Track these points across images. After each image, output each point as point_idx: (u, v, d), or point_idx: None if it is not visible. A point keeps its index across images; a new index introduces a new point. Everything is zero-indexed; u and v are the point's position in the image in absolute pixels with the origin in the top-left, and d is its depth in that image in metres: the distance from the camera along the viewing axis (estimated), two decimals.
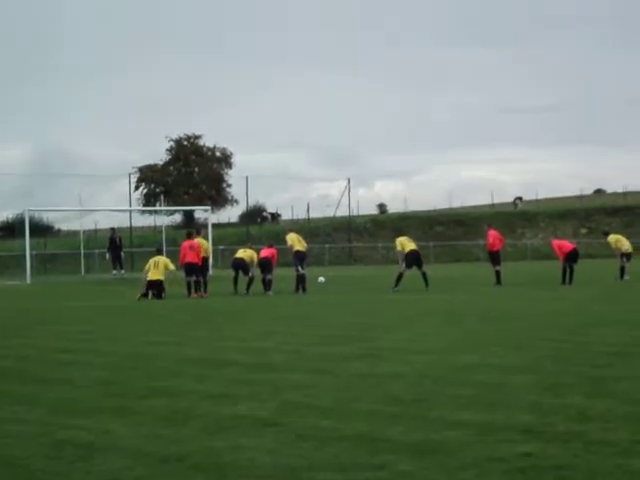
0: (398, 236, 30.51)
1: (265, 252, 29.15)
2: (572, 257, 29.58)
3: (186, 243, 29.19)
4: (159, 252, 29.09)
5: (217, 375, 10.88)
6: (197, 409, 8.62)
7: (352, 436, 7.25)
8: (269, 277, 28.33)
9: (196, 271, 28.29)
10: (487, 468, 6.19)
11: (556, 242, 31.35)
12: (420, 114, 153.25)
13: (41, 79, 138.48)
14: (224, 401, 9.00)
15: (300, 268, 28.94)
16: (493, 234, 31.48)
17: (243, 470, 6.29)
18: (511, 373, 10.34)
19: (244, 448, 6.94)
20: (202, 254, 29.08)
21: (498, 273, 29.94)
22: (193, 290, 27.91)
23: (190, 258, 28.34)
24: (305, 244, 30.67)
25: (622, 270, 31.23)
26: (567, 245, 30.75)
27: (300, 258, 29.27)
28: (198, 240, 29.47)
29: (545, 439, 6.99)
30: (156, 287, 27.10)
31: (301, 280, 28.81)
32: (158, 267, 27.43)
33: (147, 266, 27.98)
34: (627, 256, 31.79)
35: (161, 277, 27.19)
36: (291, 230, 32.49)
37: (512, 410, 8.16)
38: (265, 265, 28.62)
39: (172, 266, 28.03)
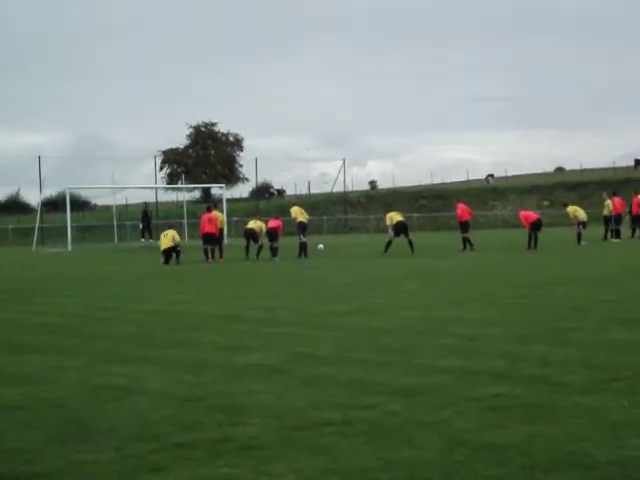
0: (388, 212, 30.54)
1: (272, 223, 29.13)
2: (536, 226, 29.53)
3: (205, 216, 29.12)
4: (170, 226, 29.11)
5: (232, 329, 10.90)
6: (215, 358, 8.65)
7: (348, 381, 7.28)
8: (276, 245, 28.31)
9: (213, 240, 28.33)
10: (464, 407, 6.21)
11: (523, 213, 31.32)
12: (406, 102, 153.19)
13: (79, 74, 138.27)
14: (238, 351, 9.02)
15: (302, 237, 28.96)
16: (462, 207, 32.00)
17: (254, 410, 6.31)
18: (484, 326, 10.36)
19: (255, 392, 6.96)
20: (218, 225, 29.07)
21: (465, 240, 30.09)
22: (210, 256, 27.92)
23: (208, 229, 28.39)
24: (307, 216, 30.69)
25: (579, 236, 31.27)
26: (532, 215, 30.70)
27: (302, 228, 29.31)
28: (215, 213, 29.45)
29: (513, 382, 7.01)
30: (169, 253, 27.21)
31: (303, 247, 28.82)
32: (167, 237, 27.50)
33: (160, 240, 28.25)
34: (583, 224, 31.90)
35: (171, 244, 27.23)
36: (294, 204, 32.49)
37: (485, 357, 8.19)
38: (272, 234, 28.61)
39: (178, 238, 27.96)
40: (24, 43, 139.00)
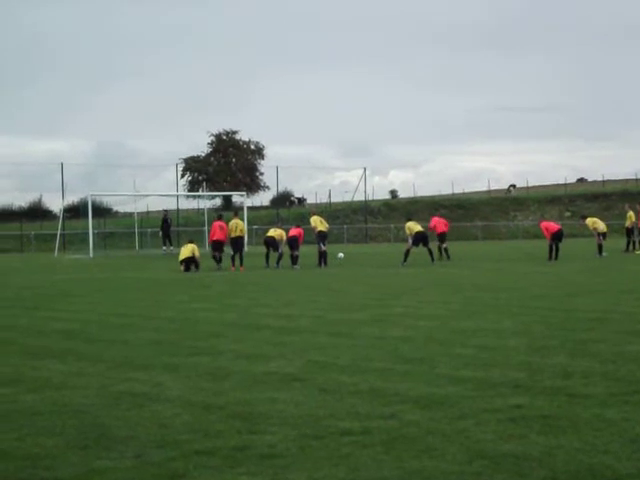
0: (407, 221, 30.54)
1: (293, 231, 29.17)
2: (557, 236, 29.41)
3: (216, 223, 29.53)
4: (191, 241, 29.33)
5: (251, 337, 10.91)
6: (235, 366, 8.66)
7: (367, 390, 7.27)
8: (296, 253, 28.34)
9: (222, 247, 28.75)
10: (483, 418, 6.19)
11: (544, 223, 31.20)
12: (429, 112, 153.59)
13: (102, 81, 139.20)
14: (257, 359, 9.03)
15: (322, 245, 28.96)
16: (436, 219, 32.93)
17: (274, 419, 6.32)
18: (505, 337, 10.32)
19: (274, 400, 6.97)
20: (238, 233, 29.05)
21: (444, 250, 30.73)
22: (231, 264, 27.99)
23: (219, 236, 28.67)
24: (326, 225, 30.66)
25: (600, 247, 31.13)
26: (553, 226, 30.58)
27: (322, 237, 29.33)
28: (236, 220, 29.48)
29: (533, 393, 6.98)
30: (188, 262, 27.64)
31: (323, 256, 28.82)
32: (187, 249, 28.04)
33: (180, 251, 28.81)
34: (603, 235, 31.81)
35: (190, 255, 27.76)
36: (314, 213, 32.50)
37: (505, 368, 8.15)
38: (293, 242, 28.66)
39: (198, 253, 28.24)
40: (48, 51, 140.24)
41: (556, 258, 28.56)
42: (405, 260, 27.76)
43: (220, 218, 30.06)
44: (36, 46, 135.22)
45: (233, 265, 28.05)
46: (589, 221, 32.76)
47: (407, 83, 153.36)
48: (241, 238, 29.54)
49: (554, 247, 28.96)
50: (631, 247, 33.92)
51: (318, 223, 29.87)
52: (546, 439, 5.58)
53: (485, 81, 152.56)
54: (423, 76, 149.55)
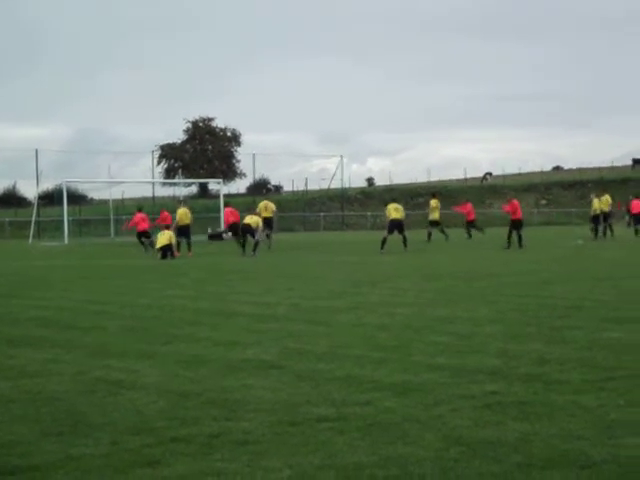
0: (389, 203, 30.15)
1: (248, 219, 29.61)
2: (519, 224, 29.40)
3: (228, 209, 33.06)
4: (167, 227, 29.50)
5: (228, 324, 10.90)
6: (211, 353, 8.65)
7: (343, 377, 7.28)
8: (257, 239, 28.59)
9: (237, 230, 30.13)
10: (459, 404, 6.22)
11: (517, 203, 30.76)
12: (408, 100, 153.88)
13: (79, 68, 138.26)
14: (234, 347, 9.02)
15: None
16: (469, 206, 35.45)
17: (250, 405, 6.32)
18: (480, 324, 10.37)
19: (251, 387, 6.97)
20: (269, 213, 31.78)
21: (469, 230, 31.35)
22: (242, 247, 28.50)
23: (234, 219, 30.41)
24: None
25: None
26: (520, 213, 30.34)
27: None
28: (266, 202, 32.10)
29: (509, 380, 7.02)
30: (165, 250, 27.66)
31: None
32: (164, 236, 28.11)
33: (156, 238, 29.04)
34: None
35: (167, 242, 27.82)
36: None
37: (481, 355, 8.20)
38: (247, 230, 28.93)
39: (174, 239, 28.45)
40: (26, 38, 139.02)
41: (521, 246, 28.51)
42: (382, 248, 27.74)
43: (228, 205, 33.85)
44: (16, 33, 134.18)
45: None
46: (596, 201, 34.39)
47: (387, 71, 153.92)
48: (270, 219, 30.60)
49: (516, 235, 28.85)
50: (600, 234, 34.29)
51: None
52: (522, 425, 5.61)
53: (464, 69, 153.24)
54: (403, 64, 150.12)
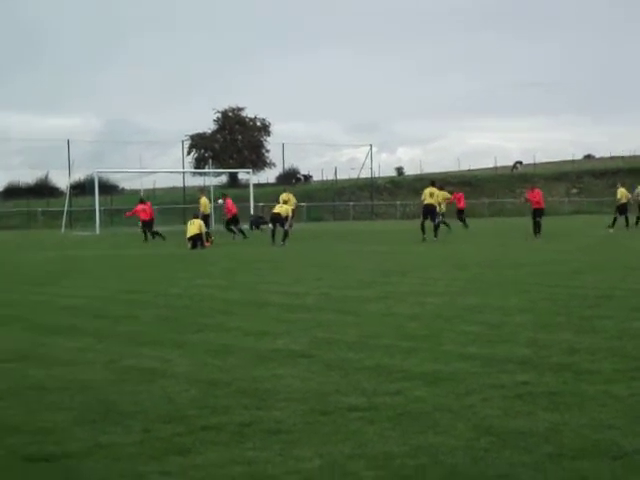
0: (427, 187, 29.82)
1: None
2: (540, 212, 29.24)
3: (230, 200, 33.40)
4: (195, 216, 29.78)
5: (258, 314, 10.92)
6: (241, 343, 8.68)
7: (373, 367, 7.28)
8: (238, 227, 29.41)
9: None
10: (490, 394, 6.20)
11: (539, 192, 30.48)
12: (438, 88, 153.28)
13: (110, 58, 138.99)
14: (264, 336, 9.04)
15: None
16: (537, 192, 33.03)
17: (281, 394, 6.33)
18: (510, 313, 10.32)
19: (281, 376, 6.98)
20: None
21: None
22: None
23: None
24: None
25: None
26: (542, 201, 30.08)
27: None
28: (286, 194, 31.37)
29: (540, 370, 6.98)
30: (195, 239, 27.65)
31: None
32: (194, 225, 28.17)
33: (186, 228, 29.02)
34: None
35: (197, 232, 27.81)
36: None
37: (511, 345, 8.16)
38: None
39: (204, 228, 28.69)
40: (56, 28, 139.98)
41: (539, 233, 28.38)
42: (423, 233, 27.69)
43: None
44: (46, 23, 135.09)
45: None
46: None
47: (418, 60, 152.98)
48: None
49: (537, 223, 28.73)
50: (632, 223, 34.07)
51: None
52: (552, 415, 5.59)
53: (495, 58, 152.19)
54: (433, 53, 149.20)
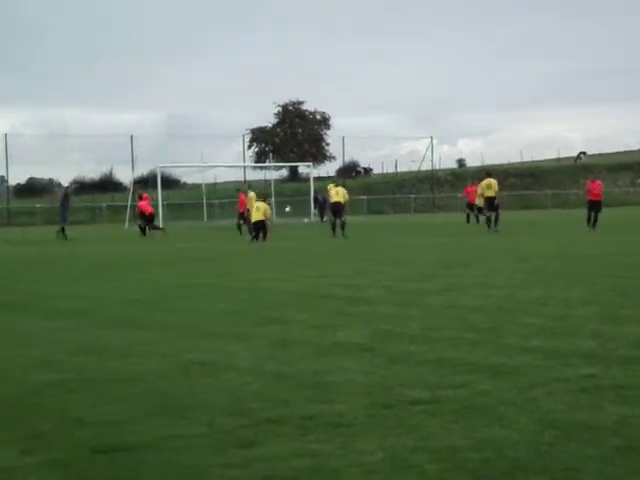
0: (484, 178, 29.55)
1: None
2: (597, 206, 28.22)
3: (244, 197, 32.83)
4: (263, 199, 29.24)
5: (319, 307, 10.93)
6: (303, 336, 8.68)
7: (436, 359, 7.23)
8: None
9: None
10: (554, 387, 6.11)
11: (597, 184, 29.50)
12: (499, 79, 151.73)
13: (172, 54, 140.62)
14: (326, 329, 9.04)
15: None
16: (472, 189, 35.24)
17: (342, 387, 6.32)
18: (575, 305, 10.16)
19: (343, 369, 6.97)
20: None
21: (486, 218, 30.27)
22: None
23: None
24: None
25: None
26: (600, 195, 28.71)
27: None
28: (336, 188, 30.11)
29: (606, 362, 6.86)
30: (259, 227, 27.25)
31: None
32: (260, 211, 27.56)
33: (252, 213, 28.45)
34: None
35: (262, 218, 27.28)
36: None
37: (576, 338, 8.03)
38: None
39: (269, 213, 28.18)
40: (118, 25, 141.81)
41: (594, 226, 27.65)
42: (492, 224, 27.56)
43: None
44: (109, 20, 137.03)
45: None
46: None
47: (477, 51, 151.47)
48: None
49: (593, 216, 27.88)
50: None
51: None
52: (620, 409, 5.48)
53: (556, 45, 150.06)
54: (492, 43, 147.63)
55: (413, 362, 7.15)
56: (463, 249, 21.31)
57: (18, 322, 10.39)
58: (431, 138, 68.16)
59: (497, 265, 16.12)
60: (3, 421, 5.68)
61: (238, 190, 36.23)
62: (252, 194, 32.20)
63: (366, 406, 5.75)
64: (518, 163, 78.57)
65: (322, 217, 42.37)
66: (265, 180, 65.72)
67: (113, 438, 5.19)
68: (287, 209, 43.11)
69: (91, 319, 10.41)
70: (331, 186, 31.59)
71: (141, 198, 35.42)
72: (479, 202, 32.13)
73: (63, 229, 33.06)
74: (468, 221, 36.31)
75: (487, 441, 4.89)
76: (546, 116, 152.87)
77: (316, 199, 45.14)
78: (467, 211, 37.79)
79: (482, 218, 30.60)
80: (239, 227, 32.85)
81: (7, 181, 66.01)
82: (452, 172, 72.43)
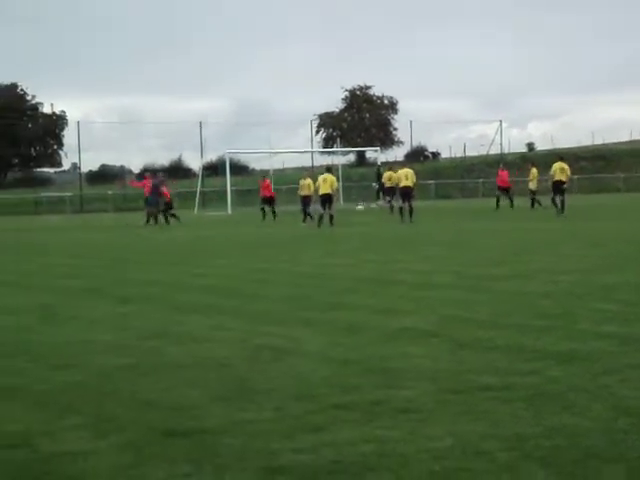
0: (556, 161, 29.10)
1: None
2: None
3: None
4: (329, 170, 28.80)
5: (386, 292, 10.89)
6: (371, 321, 8.67)
7: (505, 346, 7.14)
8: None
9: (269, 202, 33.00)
10: (628, 374, 5.99)
11: None
12: (568, 61, 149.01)
13: (240, 41, 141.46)
14: (393, 315, 9.01)
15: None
16: (504, 174, 36.16)
17: (410, 373, 6.29)
18: None
19: (410, 355, 6.93)
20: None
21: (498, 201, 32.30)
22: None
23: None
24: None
25: None
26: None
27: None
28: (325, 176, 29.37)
29: None
30: (325, 199, 26.96)
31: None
32: (327, 182, 27.22)
33: (317, 183, 28.05)
34: None
35: (329, 191, 26.96)
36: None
37: None
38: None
39: (336, 184, 27.74)
40: (193, 14, 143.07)
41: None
42: (556, 209, 27.24)
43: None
44: (180, 10, 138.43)
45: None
46: None
47: (546, 34, 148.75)
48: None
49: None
50: None
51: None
52: None
53: (627, 27, 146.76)
54: (561, 26, 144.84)
55: (481, 348, 7.08)
56: (531, 234, 21.03)
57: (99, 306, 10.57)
58: (500, 121, 67.72)
59: (566, 250, 15.87)
60: (76, 405, 5.78)
61: (263, 177, 37.53)
62: (310, 181, 31.86)
63: (434, 392, 5.71)
64: (589, 146, 77.10)
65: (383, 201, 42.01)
66: (333, 165, 65.85)
67: (186, 422, 5.24)
68: (359, 207, 42.59)
69: (164, 304, 10.52)
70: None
71: (264, 182, 35.88)
72: (532, 186, 31.98)
73: (164, 214, 33.74)
74: (498, 206, 35.91)
75: (558, 428, 4.81)
76: (619, 99, 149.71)
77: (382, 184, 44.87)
78: (498, 193, 37.30)
79: (547, 202, 29.99)
80: (304, 211, 32.32)
81: (80, 168, 67.24)
82: (522, 156, 71.44)
